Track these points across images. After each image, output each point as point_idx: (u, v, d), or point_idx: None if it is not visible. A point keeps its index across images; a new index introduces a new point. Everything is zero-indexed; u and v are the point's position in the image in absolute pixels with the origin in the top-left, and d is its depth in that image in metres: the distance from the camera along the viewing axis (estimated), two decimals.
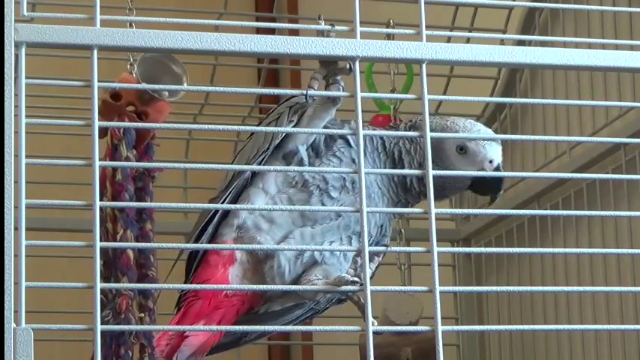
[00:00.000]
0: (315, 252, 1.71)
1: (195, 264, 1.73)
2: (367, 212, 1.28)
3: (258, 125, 1.84)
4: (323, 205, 1.71)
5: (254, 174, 1.73)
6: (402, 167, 1.78)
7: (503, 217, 2.70)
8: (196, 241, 1.73)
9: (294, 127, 1.72)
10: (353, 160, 1.74)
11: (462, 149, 1.79)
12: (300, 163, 1.73)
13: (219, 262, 1.70)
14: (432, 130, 1.67)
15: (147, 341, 1.99)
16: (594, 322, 2.31)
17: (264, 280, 1.70)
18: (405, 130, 1.82)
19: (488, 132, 1.84)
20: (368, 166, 1.73)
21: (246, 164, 1.73)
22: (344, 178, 1.73)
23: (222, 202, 1.73)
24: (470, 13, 2.71)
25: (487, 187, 1.83)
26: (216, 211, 1.72)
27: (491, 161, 1.80)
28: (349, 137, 1.76)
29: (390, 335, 2.21)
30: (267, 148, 1.72)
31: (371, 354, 1.23)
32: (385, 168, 1.78)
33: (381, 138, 1.80)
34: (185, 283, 1.75)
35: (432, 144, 1.74)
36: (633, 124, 2.21)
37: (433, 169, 1.71)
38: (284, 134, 1.72)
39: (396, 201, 1.80)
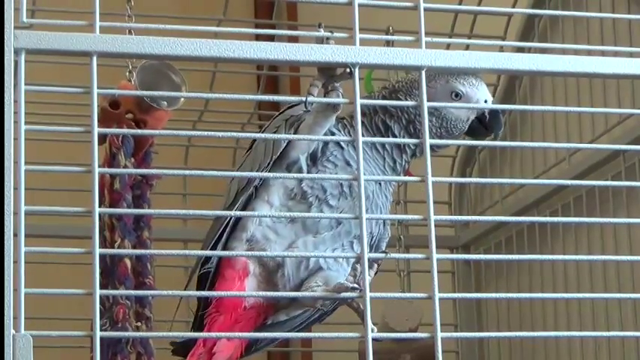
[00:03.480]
0: (320, 259, 1.71)
1: (210, 280, 1.74)
2: (361, 220, 1.27)
3: (254, 145, 1.83)
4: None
5: (258, 187, 1.73)
6: (392, 133, 1.76)
7: (503, 223, 2.70)
8: (208, 259, 1.74)
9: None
10: (347, 163, 1.73)
11: (457, 95, 1.78)
12: (300, 173, 1.73)
13: (234, 275, 1.71)
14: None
15: (143, 349, 2.00)
16: (593, 328, 2.31)
17: (277, 290, 1.71)
18: (386, 98, 1.80)
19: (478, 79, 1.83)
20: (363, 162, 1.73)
21: (247, 182, 1.73)
22: (341, 184, 1.72)
23: (229, 221, 1.72)
24: (469, 20, 2.71)
25: (490, 125, 1.81)
26: (224, 229, 1.73)
27: (485, 101, 1.79)
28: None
29: (389, 342, 2.21)
30: (268, 164, 1.72)
31: None
32: (375, 143, 1.75)
33: (363, 120, 1.77)
34: (199, 303, 1.76)
35: (431, 95, 1.75)
36: (632, 131, 2.21)
37: (429, 119, 1.73)
38: (284, 146, 1.72)
39: (391, 173, 1.78)
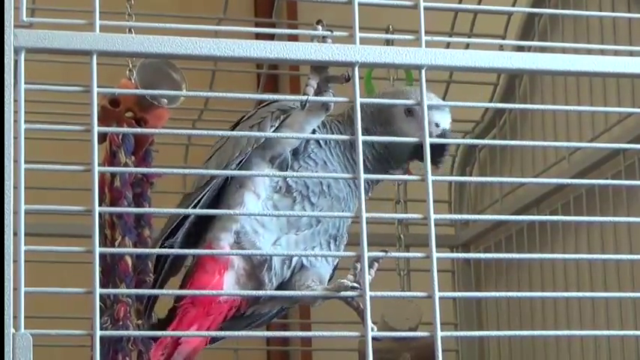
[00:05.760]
0: (303, 257, 1.71)
1: (188, 269, 1.73)
2: (361, 219, 1.28)
3: (235, 125, 1.82)
4: (304, 211, 1.72)
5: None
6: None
7: (503, 222, 2.70)
8: (168, 237, 1.72)
9: (274, 132, 1.72)
10: (324, 162, 1.74)
11: (410, 112, 1.78)
12: (282, 163, 1.73)
13: (215, 268, 1.70)
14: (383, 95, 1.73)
15: (144, 348, 1.99)
16: (593, 327, 2.31)
17: (258, 285, 1.70)
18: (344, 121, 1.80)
19: (436, 99, 1.82)
20: (335, 164, 1.74)
21: (226, 165, 1.73)
22: (321, 183, 1.73)
23: (199, 200, 1.71)
24: (469, 19, 2.71)
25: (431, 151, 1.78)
26: (196, 204, 1.72)
27: (437, 124, 1.78)
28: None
29: (389, 341, 2.21)
30: (248, 151, 1.72)
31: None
32: (345, 153, 1.76)
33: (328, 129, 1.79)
34: (154, 286, 1.75)
35: (382, 107, 1.76)
36: (632, 130, 2.21)
37: (381, 133, 1.73)
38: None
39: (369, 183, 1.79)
